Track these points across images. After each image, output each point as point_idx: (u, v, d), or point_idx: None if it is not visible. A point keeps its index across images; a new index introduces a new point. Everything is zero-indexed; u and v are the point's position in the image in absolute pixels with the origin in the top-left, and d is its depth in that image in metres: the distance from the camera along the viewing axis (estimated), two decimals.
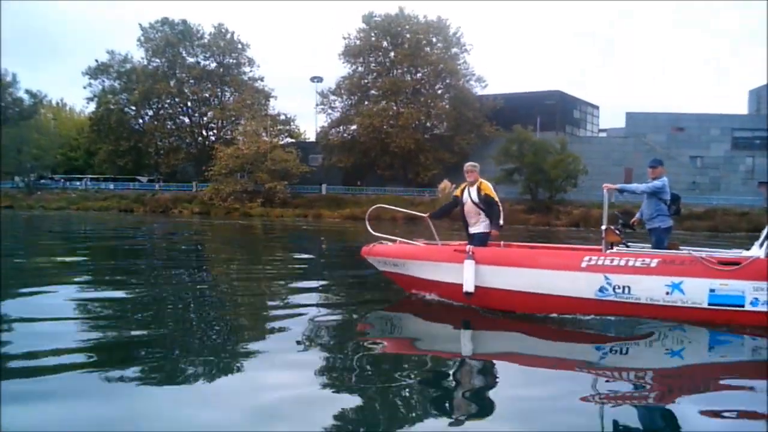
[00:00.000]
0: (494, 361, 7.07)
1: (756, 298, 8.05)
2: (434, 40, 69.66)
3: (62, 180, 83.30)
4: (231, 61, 78.34)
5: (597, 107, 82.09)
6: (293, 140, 74.33)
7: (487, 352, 7.78)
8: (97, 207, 69.48)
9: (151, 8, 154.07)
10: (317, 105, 73.57)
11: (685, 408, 5.31)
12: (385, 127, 66.08)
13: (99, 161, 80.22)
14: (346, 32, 77.32)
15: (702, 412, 5.16)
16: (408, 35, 69.16)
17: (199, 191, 70.12)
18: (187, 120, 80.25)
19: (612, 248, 9.00)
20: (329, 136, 72.07)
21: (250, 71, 79.70)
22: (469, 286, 8.95)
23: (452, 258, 9.36)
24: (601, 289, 8.50)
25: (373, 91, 71.69)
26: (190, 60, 78.10)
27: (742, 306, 8.09)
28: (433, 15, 69.88)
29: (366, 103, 71.02)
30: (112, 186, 78.01)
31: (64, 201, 72.76)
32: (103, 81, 79.36)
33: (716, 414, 5.25)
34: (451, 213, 10.72)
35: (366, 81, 71.74)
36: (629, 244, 9.41)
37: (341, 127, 72.20)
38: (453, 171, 63.39)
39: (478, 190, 9.84)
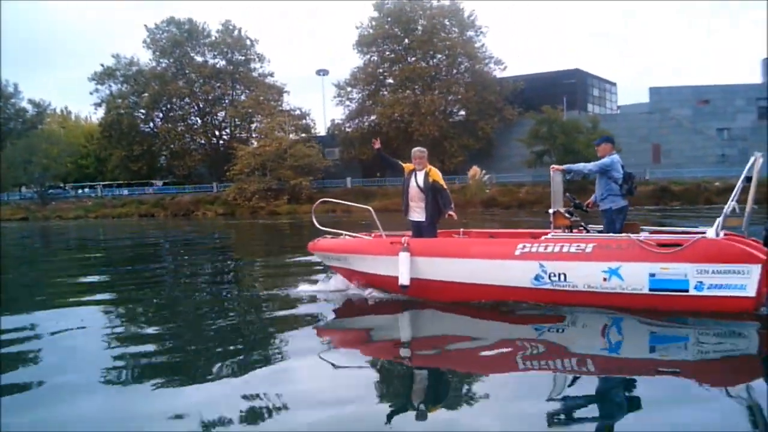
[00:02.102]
0: (438, 350, 7.07)
1: (700, 282, 7.51)
2: (448, 24, 68.07)
3: (72, 189, 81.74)
4: (240, 58, 76.69)
5: (614, 84, 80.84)
6: (304, 135, 72.61)
7: (429, 343, 7.54)
8: (116, 214, 67.88)
9: (138, 12, 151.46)
10: (334, 97, 71.96)
11: (615, 392, 5.47)
12: (406, 116, 64.53)
13: (111, 167, 78.33)
14: (358, 21, 75.83)
15: (630, 398, 5.25)
16: (422, 21, 67.64)
17: (221, 192, 68.61)
18: (199, 120, 78.53)
19: (564, 233, 8.72)
20: (347, 128, 70.79)
21: (261, 67, 78.34)
22: (404, 279, 8.71)
23: (389, 250, 9.07)
24: (537, 278, 8.21)
25: (389, 80, 70.26)
26: (199, 59, 76.49)
27: (686, 291, 7.58)
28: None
29: (383, 92, 69.54)
30: (126, 192, 76.45)
31: (81, 210, 71.03)
32: (110, 86, 77.87)
33: (644, 398, 5.18)
34: (392, 167, 10.30)
35: (381, 70, 70.29)
36: (589, 227, 9.17)
37: (357, 120, 70.86)
38: (478, 157, 62.34)
39: (426, 175, 9.56)
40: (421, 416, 4.82)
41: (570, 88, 68.98)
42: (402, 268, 8.71)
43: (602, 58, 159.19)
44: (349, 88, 71.10)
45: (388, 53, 70.05)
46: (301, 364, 6.39)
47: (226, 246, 25.92)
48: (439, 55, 68.43)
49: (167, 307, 10.41)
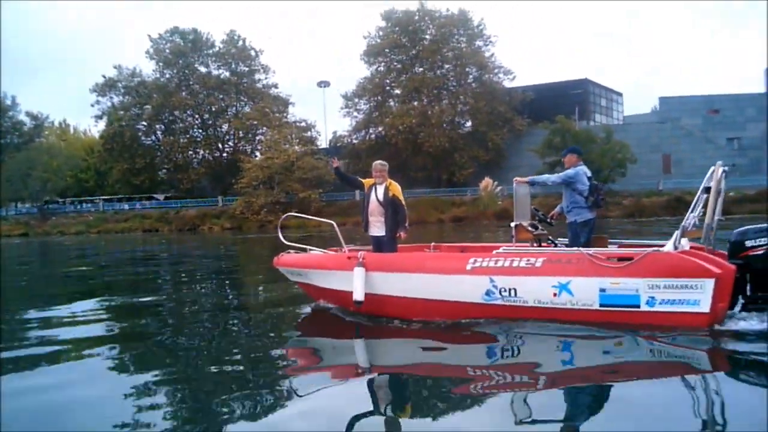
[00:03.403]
0: (393, 372, 6.76)
1: (652, 297, 7.20)
2: (456, 33, 67.50)
3: (73, 203, 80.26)
4: (244, 69, 75.85)
5: (621, 94, 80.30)
6: (310, 147, 71.56)
7: (383, 363, 7.40)
8: (119, 229, 66.61)
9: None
10: (342, 108, 71.34)
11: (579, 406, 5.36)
12: (415, 126, 63.80)
13: (112, 181, 77.00)
14: (366, 31, 75.01)
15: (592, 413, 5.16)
16: (431, 29, 67.21)
17: (226, 206, 67.45)
18: (202, 133, 77.55)
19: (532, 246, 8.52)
20: (353, 140, 69.98)
21: (265, 78, 77.50)
22: (358, 295, 8.40)
23: (345, 265, 8.86)
24: (488, 293, 7.93)
25: (397, 91, 69.54)
26: (203, 70, 75.62)
27: (638, 306, 7.27)
28: (454, 9, 67.50)
29: (390, 103, 68.84)
30: (126, 206, 75.06)
31: (83, 225, 69.62)
32: (111, 98, 76.57)
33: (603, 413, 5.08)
34: (351, 184, 10.67)
35: (389, 80, 69.61)
36: (557, 241, 9.07)
37: (364, 131, 70.11)
38: (488, 168, 61.59)
39: (386, 190, 9.47)
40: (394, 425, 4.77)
41: (578, 98, 68.51)
42: (356, 283, 8.44)
43: (607, 59, 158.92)
44: (356, 99, 70.36)
45: (395, 63, 69.37)
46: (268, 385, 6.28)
47: (236, 261, 24.92)
48: (447, 65, 67.84)
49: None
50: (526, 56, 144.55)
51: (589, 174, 8.91)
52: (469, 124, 69.08)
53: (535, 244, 8.58)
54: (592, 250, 7.70)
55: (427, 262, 8.72)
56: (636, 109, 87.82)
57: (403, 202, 9.55)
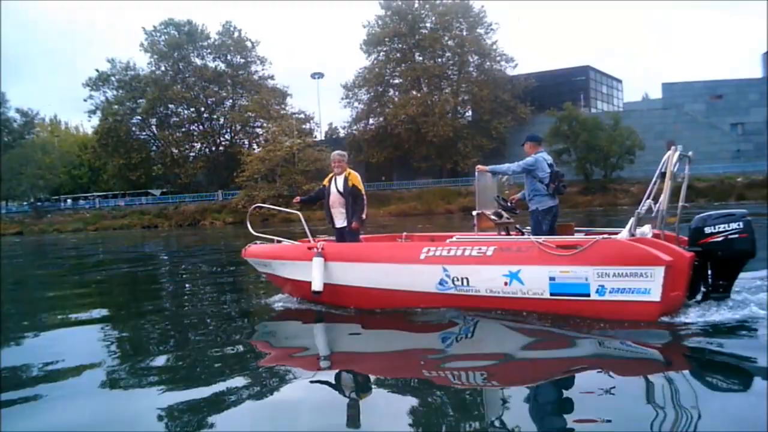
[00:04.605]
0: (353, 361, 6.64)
1: (602, 286, 6.99)
2: (456, 21, 66.68)
3: (66, 200, 78.64)
4: (240, 60, 74.72)
5: (620, 81, 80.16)
6: (311, 139, 70.64)
7: (342, 350, 7.36)
8: (117, 225, 65.46)
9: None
10: (342, 99, 70.58)
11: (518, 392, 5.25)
12: (417, 116, 62.98)
13: (108, 177, 75.39)
14: (365, 20, 73.71)
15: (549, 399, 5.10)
16: (432, 17, 66.43)
17: (226, 200, 66.30)
18: (200, 126, 76.23)
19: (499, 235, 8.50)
20: (353, 131, 69.12)
21: (262, 70, 76.29)
22: (317, 285, 8.32)
23: (305, 256, 8.73)
24: (441, 282, 7.85)
25: (397, 80, 68.75)
26: (198, 62, 74.33)
27: (588, 295, 7.06)
28: None
29: (391, 93, 68.09)
30: (123, 203, 73.62)
31: (80, 222, 68.30)
32: (105, 92, 75.14)
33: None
34: (321, 196, 9.85)
35: (389, 69, 68.79)
36: (524, 230, 8.89)
37: (364, 122, 69.42)
38: (492, 157, 60.85)
39: (346, 180, 9.23)
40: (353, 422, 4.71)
41: (581, 85, 68.07)
42: (315, 273, 8.34)
43: (604, 57, 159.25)
44: (356, 90, 69.58)
45: (395, 53, 68.64)
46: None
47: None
48: (448, 53, 67.11)
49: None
50: (527, 44, 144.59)
51: (550, 161, 8.80)
52: (469, 113, 68.49)
53: (502, 233, 8.52)
54: (543, 238, 7.55)
55: (383, 251, 8.68)
56: (634, 95, 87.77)
57: (363, 192, 9.29)
